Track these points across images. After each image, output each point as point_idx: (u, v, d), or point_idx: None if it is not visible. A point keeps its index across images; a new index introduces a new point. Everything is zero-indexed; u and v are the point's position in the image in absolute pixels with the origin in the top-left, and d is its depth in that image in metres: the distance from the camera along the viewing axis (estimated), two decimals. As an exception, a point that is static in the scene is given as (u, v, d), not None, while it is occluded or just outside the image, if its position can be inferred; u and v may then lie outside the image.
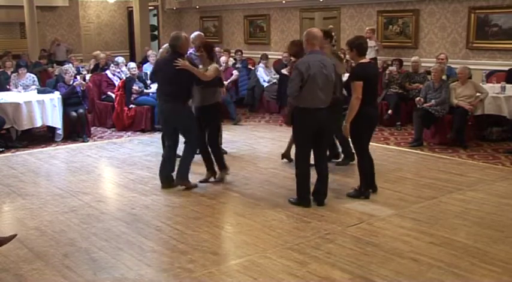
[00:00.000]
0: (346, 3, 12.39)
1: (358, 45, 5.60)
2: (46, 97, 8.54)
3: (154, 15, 17.67)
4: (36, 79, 9.76)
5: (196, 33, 7.59)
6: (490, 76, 9.37)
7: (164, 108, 6.05)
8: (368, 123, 5.68)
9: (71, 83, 8.98)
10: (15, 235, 4.40)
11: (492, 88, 8.34)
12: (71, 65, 10.35)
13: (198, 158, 6.33)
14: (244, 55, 13.48)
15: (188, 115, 6.05)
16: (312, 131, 5.36)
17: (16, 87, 9.29)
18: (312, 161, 5.56)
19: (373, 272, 4.01)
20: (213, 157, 6.29)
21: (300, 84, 5.23)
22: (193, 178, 6.19)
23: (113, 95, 9.72)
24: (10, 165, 7.29)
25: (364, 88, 5.45)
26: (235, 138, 8.50)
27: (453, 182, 6.24)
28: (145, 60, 12.58)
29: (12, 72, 10.16)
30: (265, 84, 11.28)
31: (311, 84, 5.22)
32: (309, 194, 5.49)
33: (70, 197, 5.87)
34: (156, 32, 17.71)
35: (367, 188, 5.74)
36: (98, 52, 13.09)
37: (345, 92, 6.54)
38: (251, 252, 4.38)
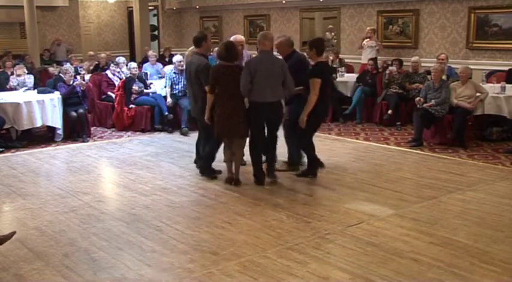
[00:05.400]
0: (346, 3, 12.40)
1: (317, 45, 6.10)
2: (46, 97, 8.54)
3: (154, 15, 17.68)
4: (32, 79, 9.85)
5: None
6: (490, 76, 9.37)
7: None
8: (321, 118, 6.36)
9: (71, 83, 8.99)
10: (15, 232, 4.38)
11: (492, 88, 8.34)
12: (70, 64, 10.37)
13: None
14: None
15: None
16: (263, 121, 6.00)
17: (13, 84, 9.44)
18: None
19: (373, 272, 4.01)
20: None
21: (249, 79, 5.75)
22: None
23: (113, 95, 9.73)
24: (10, 165, 7.29)
25: (321, 85, 5.93)
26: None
27: (453, 182, 6.24)
28: (145, 60, 12.59)
29: (12, 73, 10.18)
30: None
31: (259, 79, 5.73)
32: (262, 171, 6.13)
33: (70, 197, 5.87)
34: (156, 32, 17.71)
35: (314, 168, 6.31)
36: (91, 52, 13.27)
37: None
38: (251, 252, 4.38)
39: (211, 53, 7.22)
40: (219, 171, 6.49)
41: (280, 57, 6.30)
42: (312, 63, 6.23)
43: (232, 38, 6.82)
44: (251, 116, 5.99)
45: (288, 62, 6.15)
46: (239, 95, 5.90)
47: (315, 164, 6.32)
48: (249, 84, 5.76)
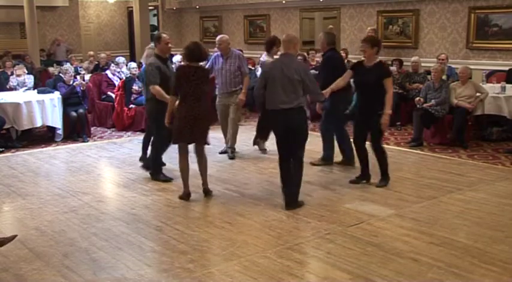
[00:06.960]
0: (346, 3, 12.39)
1: (379, 44, 6.04)
2: (46, 97, 8.54)
3: (154, 15, 17.66)
4: (32, 79, 9.84)
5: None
6: (490, 76, 9.37)
7: None
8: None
9: (71, 83, 8.99)
10: (16, 236, 4.40)
11: (492, 88, 8.34)
12: (69, 64, 10.37)
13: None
14: (244, 55, 13.46)
15: None
16: (281, 131, 5.41)
17: (13, 84, 9.46)
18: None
19: (373, 272, 4.01)
20: None
21: (263, 84, 5.46)
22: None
23: (113, 95, 9.73)
24: (10, 165, 7.28)
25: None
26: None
27: (453, 182, 6.24)
28: (145, 60, 12.59)
29: (12, 73, 10.18)
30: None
31: (272, 84, 5.37)
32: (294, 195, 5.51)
33: (70, 197, 5.88)
34: (156, 32, 17.70)
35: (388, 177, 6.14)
36: (91, 52, 13.29)
37: None
38: (251, 252, 4.38)
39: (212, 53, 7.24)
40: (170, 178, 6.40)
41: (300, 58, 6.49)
42: (359, 60, 6.24)
43: (218, 37, 7.16)
44: (271, 126, 5.69)
45: (323, 58, 6.66)
46: (205, 98, 5.61)
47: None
48: (261, 89, 5.47)
